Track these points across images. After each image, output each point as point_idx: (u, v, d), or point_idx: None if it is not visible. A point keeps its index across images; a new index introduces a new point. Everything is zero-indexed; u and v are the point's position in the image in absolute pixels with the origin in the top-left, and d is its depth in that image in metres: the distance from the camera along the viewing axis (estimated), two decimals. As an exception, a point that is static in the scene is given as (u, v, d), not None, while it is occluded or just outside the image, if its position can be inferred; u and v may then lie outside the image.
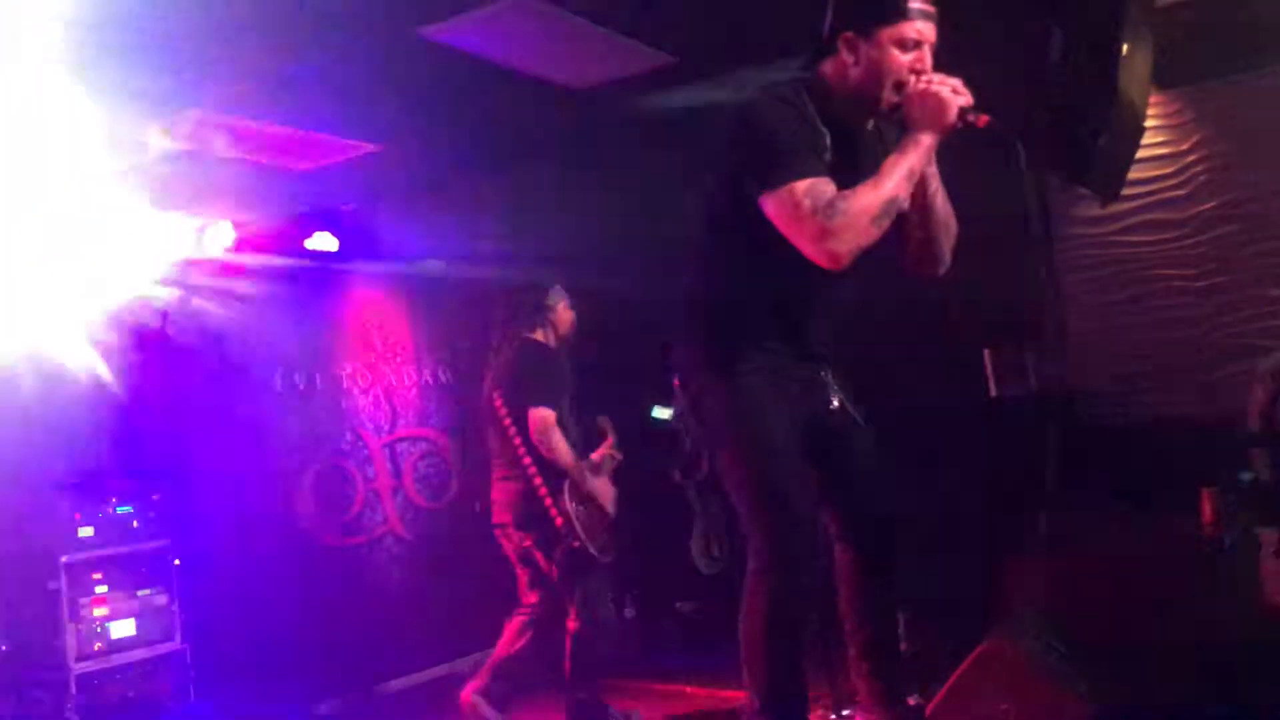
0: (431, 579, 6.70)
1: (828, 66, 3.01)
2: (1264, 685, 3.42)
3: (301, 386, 6.37)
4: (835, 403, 3.22)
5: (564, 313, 4.98)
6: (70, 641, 4.80)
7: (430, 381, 7.01)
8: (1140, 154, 5.19)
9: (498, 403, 4.85)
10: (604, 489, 4.95)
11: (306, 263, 6.41)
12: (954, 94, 2.87)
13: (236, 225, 5.93)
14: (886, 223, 2.87)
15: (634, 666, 6.05)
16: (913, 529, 5.34)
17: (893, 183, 2.85)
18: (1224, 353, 5.81)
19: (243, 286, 6.01)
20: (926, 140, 2.89)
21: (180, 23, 4.12)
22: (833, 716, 4.00)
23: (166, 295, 5.72)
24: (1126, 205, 5.88)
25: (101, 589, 4.96)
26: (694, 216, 3.23)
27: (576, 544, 4.66)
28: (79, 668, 4.80)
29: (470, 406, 7.13)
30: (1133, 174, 5.07)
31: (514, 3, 4.33)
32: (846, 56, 2.95)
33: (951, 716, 3.19)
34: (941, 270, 3.19)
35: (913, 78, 2.91)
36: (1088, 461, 5.50)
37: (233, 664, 5.34)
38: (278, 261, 6.25)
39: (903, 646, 4.61)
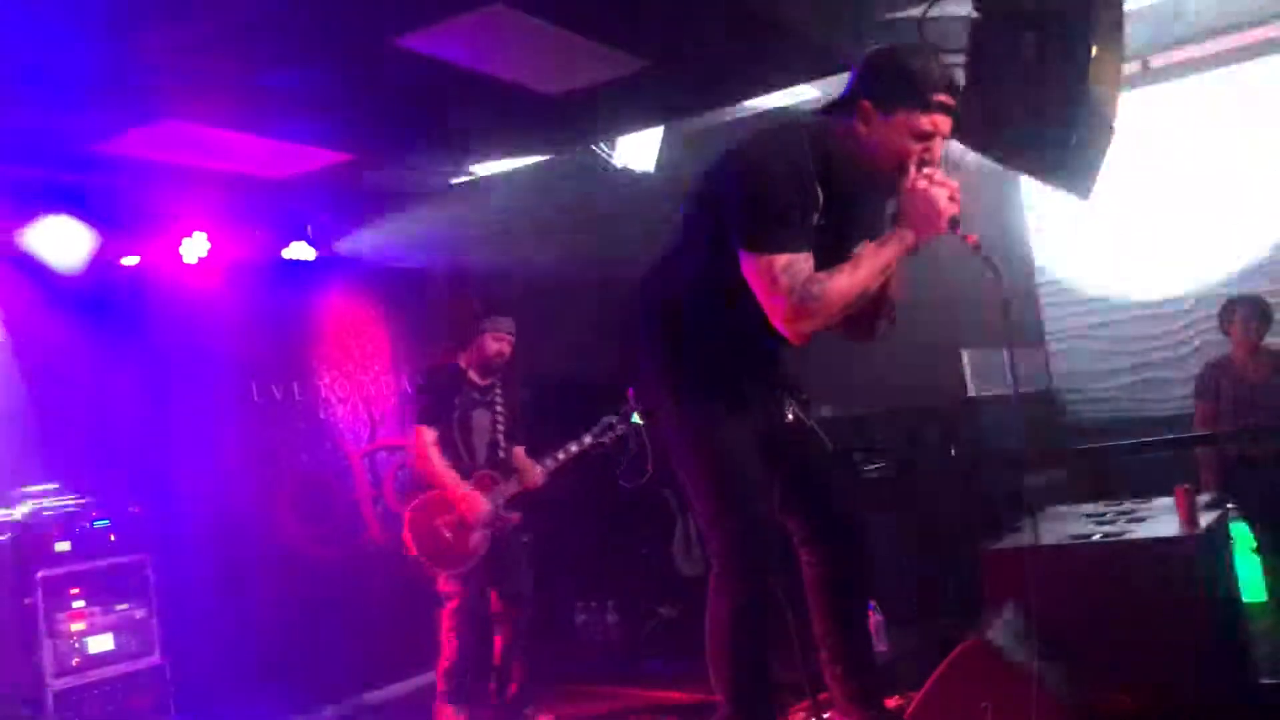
0: (412, 588, 6.66)
1: (839, 123, 2.99)
2: (1238, 682, 3.44)
3: (279, 397, 6.35)
4: (790, 415, 3.24)
5: (488, 342, 5.08)
6: (47, 657, 4.74)
7: (409, 390, 6.98)
8: (1116, 151, 5.25)
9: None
10: (474, 507, 4.98)
11: (283, 273, 6.39)
12: (949, 201, 2.85)
13: (211, 236, 5.90)
14: (854, 309, 2.95)
15: (616, 671, 6.06)
16: (891, 530, 5.39)
17: (867, 274, 2.89)
18: (1201, 350, 5.86)
19: (219, 297, 5.98)
20: (910, 239, 2.89)
21: (154, 33, 4.11)
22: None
23: (144, 306, 5.69)
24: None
25: (79, 604, 4.90)
26: (673, 229, 3.23)
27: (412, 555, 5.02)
28: (57, 684, 4.74)
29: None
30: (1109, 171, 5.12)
31: (489, 11, 4.33)
32: (860, 124, 2.93)
33: (931, 717, 3.19)
34: (875, 339, 3.20)
35: (914, 169, 2.89)
36: (1065, 459, 5.54)
37: (213, 678, 5.30)
38: (254, 271, 6.23)
39: (882, 648, 4.64)
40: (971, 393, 5.56)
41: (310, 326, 6.62)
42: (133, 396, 5.40)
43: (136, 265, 5.71)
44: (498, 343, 5.10)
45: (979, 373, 5.55)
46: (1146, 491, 4.07)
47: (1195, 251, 5.93)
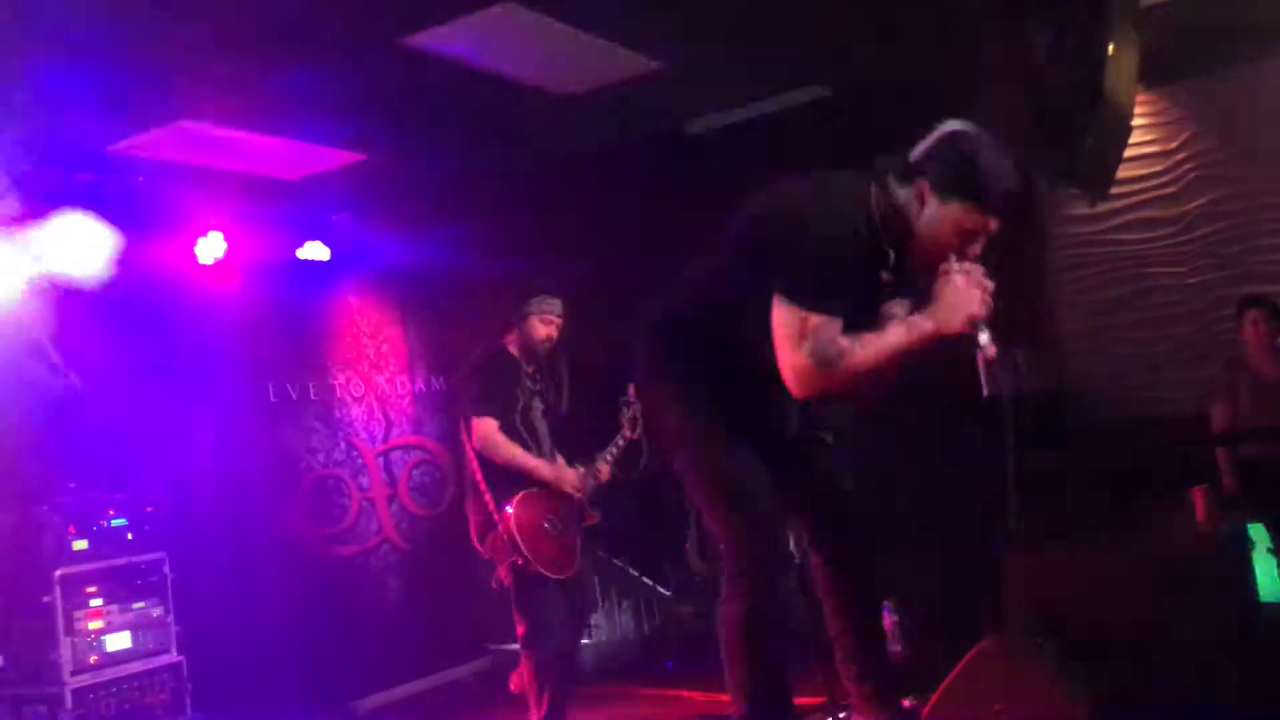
0: (428, 587, 6.69)
1: (901, 190, 2.93)
2: (1257, 683, 3.42)
3: (295, 397, 6.37)
4: (795, 422, 3.25)
5: (536, 325, 4.65)
6: (65, 655, 4.77)
7: (424, 389, 7.00)
8: (1129, 153, 5.21)
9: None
10: (573, 481, 4.64)
11: (298, 273, 6.41)
12: (980, 303, 2.81)
13: (226, 236, 5.92)
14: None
15: (633, 671, 6.06)
16: (906, 530, 5.38)
17: (885, 354, 2.86)
18: (1216, 350, 5.82)
19: (234, 297, 6.00)
20: (930, 330, 2.84)
21: (167, 35, 4.13)
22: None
23: (160, 306, 5.71)
24: (1117, 204, 5.90)
25: (96, 602, 4.93)
26: (711, 242, 3.20)
27: (520, 560, 4.43)
28: (74, 681, 4.77)
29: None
30: (1122, 172, 5.10)
31: (499, 10, 4.34)
32: (915, 200, 2.89)
33: (946, 718, 3.19)
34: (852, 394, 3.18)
35: (955, 258, 2.85)
36: (1080, 459, 5.51)
37: (229, 676, 5.32)
38: (269, 271, 6.25)
39: (897, 649, 4.64)
40: (988, 391, 5.53)
41: (325, 326, 6.64)
42: (149, 396, 5.42)
43: (153, 265, 5.72)
44: (546, 326, 4.67)
45: (996, 372, 5.53)
46: (1162, 493, 4.06)
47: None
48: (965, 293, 2.81)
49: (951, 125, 2.91)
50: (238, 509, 5.79)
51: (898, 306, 3.06)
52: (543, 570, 4.45)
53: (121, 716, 4.87)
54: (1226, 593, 3.38)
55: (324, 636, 5.97)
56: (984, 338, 2.82)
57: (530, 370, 4.73)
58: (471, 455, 4.57)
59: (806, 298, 2.83)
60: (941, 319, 2.83)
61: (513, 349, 4.70)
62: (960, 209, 2.83)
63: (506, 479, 4.51)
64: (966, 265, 2.85)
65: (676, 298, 3.26)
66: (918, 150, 2.92)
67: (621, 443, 4.80)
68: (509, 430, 4.54)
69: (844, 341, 2.82)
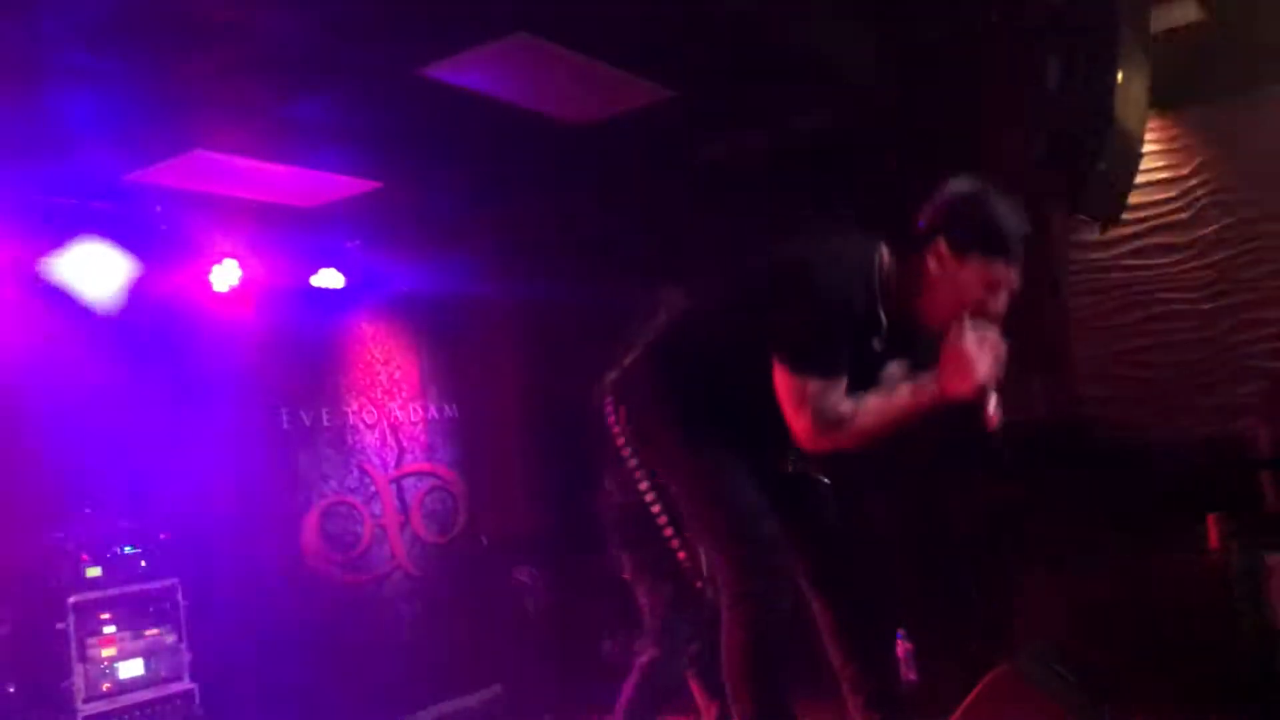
0: (440, 614, 6.68)
1: (909, 254, 2.92)
2: (1271, 710, 3.39)
3: (308, 424, 6.39)
4: (791, 463, 3.25)
5: None
6: (79, 682, 4.78)
7: (436, 416, 7.01)
8: (1142, 178, 5.22)
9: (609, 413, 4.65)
10: None
11: (312, 300, 6.43)
12: (989, 368, 2.82)
13: (242, 263, 5.95)
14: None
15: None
16: (920, 557, 5.35)
17: (889, 417, 2.90)
18: (1231, 376, 5.80)
19: (249, 324, 6.03)
20: (936, 395, 2.87)
21: (184, 64, 4.17)
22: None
23: (174, 334, 5.74)
24: (1130, 229, 5.89)
25: (109, 629, 4.94)
26: (722, 279, 3.21)
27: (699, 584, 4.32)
28: (87, 709, 4.77)
29: (476, 441, 7.19)
30: (1135, 198, 5.10)
31: (513, 40, 4.37)
32: (931, 262, 2.88)
33: (961, 746, 3.17)
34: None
35: (968, 319, 2.84)
36: (1094, 484, 5.48)
37: (242, 703, 5.31)
38: (283, 299, 6.27)
39: (911, 676, 4.61)
40: (1000, 417, 5.51)
41: (339, 353, 6.66)
42: (163, 423, 5.44)
43: (167, 293, 5.76)
44: None
45: (1008, 397, 5.51)
46: (1176, 519, 4.04)
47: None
48: (975, 358, 2.81)
49: (958, 185, 2.91)
50: (250, 536, 5.80)
51: (895, 366, 3.06)
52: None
53: (135, 744, 4.88)
54: (1241, 621, 3.35)
55: (336, 664, 5.96)
56: (991, 405, 2.83)
57: None
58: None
59: (807, 366, 2.87)
60: (949, 385, 2.85)
61: None
62: (981, 264, 2.83)
63: None
64: (981, 328, 2.85)
65: (681, 325, 3.28)
66: (927, 213, 2.91)
67: None
68: None
69: (846, 406, 2.86)
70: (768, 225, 6.56)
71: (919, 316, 2.96)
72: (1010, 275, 2.86)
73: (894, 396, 2.90)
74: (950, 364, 2.84)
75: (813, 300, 2.89)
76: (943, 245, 2.85)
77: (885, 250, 2.95)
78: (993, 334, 2.86)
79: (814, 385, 2.85)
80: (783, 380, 2.90)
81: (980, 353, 2.82)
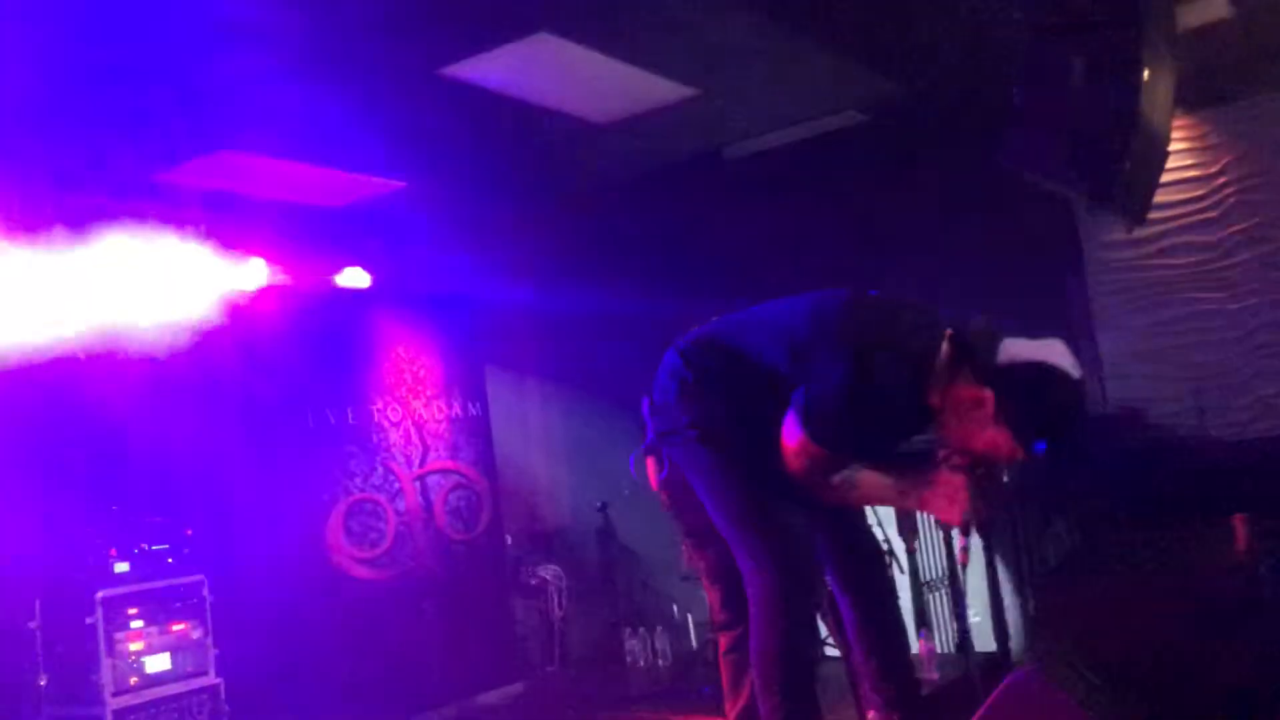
0: (464, 611, 6.71)
1: (952, 368, 2.85)
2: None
3: (333, 422, 6.42)
4: None
5: None
6: (106, 676, 4.82)
7: (460, 415, 7.04)
8: (1170, 177, 5.18)
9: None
10: None
11: (337, 299, 6.47)
12: (972, 509, 2.85)
13: (268, 262, 5.99)
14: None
15: (670, 696, 6.04)
16: (941, 557, 5.33)
17: (872, 499, 3.13)
18: (1259, 375, 5.76)
19: (275, 323, 6.06)
20: (918, 507, 3.03)
21: (210, 65, 4.21)
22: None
23: (200, 332, 5.77)
24: (1158, 228, 5.86)
25: (137, 624, 4.99)
26: (789, 303, 3.18)
27: None
28: (115, 702, 4.82)
29: (500, 439, 7.21)
30: (1163, 197, 5.06)
31: (538, 40, 4.38)
32: (963, 380, 2.82)
33: (982, 748, 3.15)
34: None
35: (962, 451, 2.85)
36: (1121, 485, 5.45)
37: (267, 697, 5.35)
38: (309, 298, 6.31)
39: (933, 677, 4.59)
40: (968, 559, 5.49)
41: (364, 352, 6.69)
42: (190, 421, 5.48)
43: (194, 291, 5.78)
44: None
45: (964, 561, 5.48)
46: (1204, 520, 4.01)
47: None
48: (960, 498, 2.86)
49: (1054, 357, 2.78)
50: (276, 533, 5.83)
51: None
52: None
53: (161, 738, 4.92)
54: (1268, 624, 3.33)
55: (360, 659, 6.00)
56: (960, 543, 2.99)
57: None
58: None
59: (817, 433, 2.89)
60: (935, 510, 2.95)
61: None
62: (1006, 433, 2.77)
63: None
64: (969, 466, 2.87)
65: (721, 334, 3.26)
66: (1010, 355, 2.79)
67: None
68: None
69: (837, 477, 2.95)
70: (792, 225, 6.57)
71: (930, 408, 2.93)
72: (1016, 458, 2.82)
73: (884, 487, 3.00)
74: (938, 493, 2.90)
75: (858, 385, 2.83)
76: (990, 403, 2.76)
77: (948, 344, 2.88)
78: (974, 486, 2.86)
79: (817, 449, 2.91)
80: (792, 424, 2.94)
81: (969, 498, 2.86)
